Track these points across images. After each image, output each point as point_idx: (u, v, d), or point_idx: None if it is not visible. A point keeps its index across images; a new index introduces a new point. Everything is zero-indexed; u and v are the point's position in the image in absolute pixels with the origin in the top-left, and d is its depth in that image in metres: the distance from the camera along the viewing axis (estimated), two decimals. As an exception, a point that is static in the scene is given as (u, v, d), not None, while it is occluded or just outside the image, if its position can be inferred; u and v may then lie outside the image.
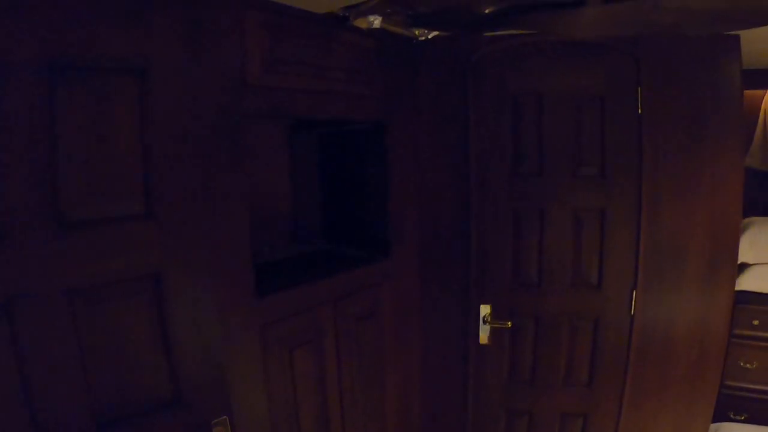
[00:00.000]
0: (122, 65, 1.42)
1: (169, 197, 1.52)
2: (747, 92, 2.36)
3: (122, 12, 1.41)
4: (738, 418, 2.81)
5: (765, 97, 3.22)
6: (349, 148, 2.55)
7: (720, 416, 2.67)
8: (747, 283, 2.77)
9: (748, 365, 2.75)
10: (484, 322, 2.43)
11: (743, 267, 2.82)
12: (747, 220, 2.87)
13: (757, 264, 2.85)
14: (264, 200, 2.46)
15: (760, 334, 2.79)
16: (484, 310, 2.43)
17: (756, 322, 2.78)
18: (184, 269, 1.58)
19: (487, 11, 2.05)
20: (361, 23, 2.08)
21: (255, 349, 1.84)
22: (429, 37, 2.32)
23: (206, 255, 1.64)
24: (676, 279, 2.25)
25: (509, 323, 2.41)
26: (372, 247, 2.46)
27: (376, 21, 2.09)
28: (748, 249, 2.78)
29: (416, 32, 2.29)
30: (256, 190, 2.38)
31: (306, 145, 2.62)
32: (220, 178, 1.68)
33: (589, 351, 2.40)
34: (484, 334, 2.45)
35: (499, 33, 2.27)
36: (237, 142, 1.74)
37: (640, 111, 2.20)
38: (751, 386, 2.80)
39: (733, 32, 2.12)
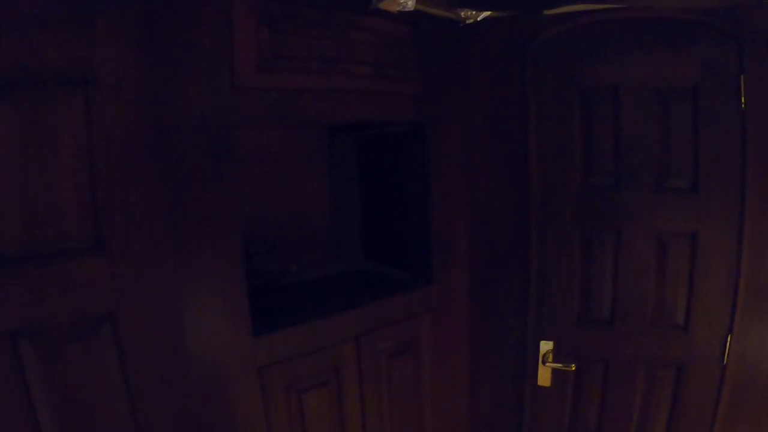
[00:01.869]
0: (62, 75, 1.28)
1: (123, 226, 1.38)
2: None
3: (60, 17, 1.26)
4: None
5: None
6: (390, 154, 2.34)
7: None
8: None
9: None
10: (544, 362, 2.18)
11: None
12: None
13: None
14: (298, 213, 2.33)
15: None
16: (545, 347, 2.17)
17: None
18: (146, 309, 1.44)
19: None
20: (389, 5, 1.81)
21: (252, 395, 1.69)
22: (478, 19, 2.02)
23: (178, 291, 1.49)
24: (784, 325, 1.90)
25: (573, 366, 2.13)
26: (414, 270, 2.25)
27: (410, 2, 1.82)
28: None
29: (462, 14, 2.00)
30: (288, 203, 2.28)
31: (344, 151, 2.45)
32: (199, 198, 1.52)
33: (668, 405, 2.08)
34: (543, 376, 2.19)
35: (562, 10, 1.95)
36: (225, 155, 1.57)
37: (743, 106, 1.83)
38: None
39: None
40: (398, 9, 1.84)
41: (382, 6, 1.81)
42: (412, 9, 1.85)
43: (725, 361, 1.96)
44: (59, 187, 1.30)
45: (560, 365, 2.16)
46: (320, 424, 1.90)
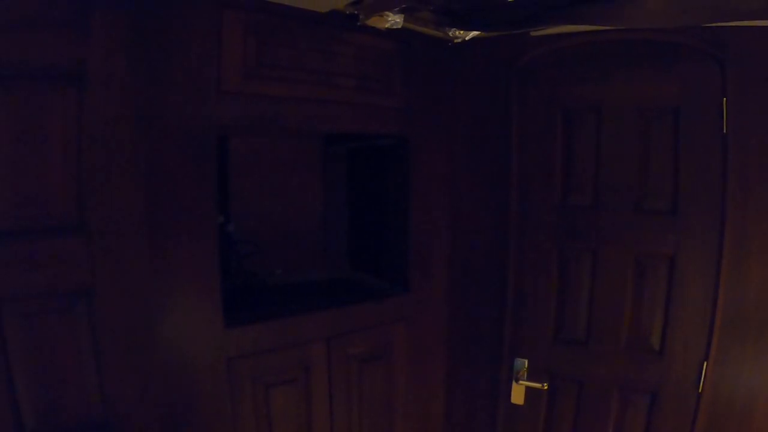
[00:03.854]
0: (56, 72, 1.48)
1: (104, 211, 1.56)
2: None
3: (57, 18, 1.46)
4: None
5: None
6: (377, 166, 2.49)
7: None
8: None
9: None
10: (517, 380, 2.25)
11: None
12: None
13: None
14: (289, 220, 2.50)
15: None
16: (520, 364, 2.25)
17: None
18: (121, 290, 1.60)
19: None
20: (378, 23, 1.95)
21: (220, 385, 1.83)
22: (466, 39, 2.13)
23: (153, 277, 1.66)
24: (762, 351, 1.88)
25: (545, 385, 2.19)
26: (393, 280, 2.37)
27: (398, 20, 1.96)
28: None
29: (450, 34, 2.11)
30: (281, 209, 2.47)
31: (336, 161, 2.62)
32: (180, 194, 1.70)
33: (642, 430, 2.09)
34: (517, 393, 2.26)
35: (548, 32, 2.06)
36: (208, 156, 1.74)
37: (725, 130, 1.88)
38: None
39: None
40: (387, 26, 1.97)
41: (370, 23, 1.95)
42: (400, 27, 1.99)
43: (701, 389, 1.97)
44: (48, 172, 1.49)
45: (533, 383, 2.22)
46: (286, 420, 2.02)
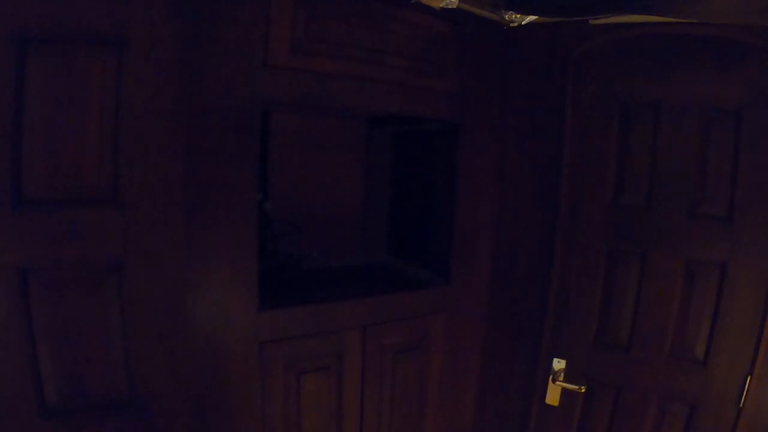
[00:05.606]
0: (95, 37, 1.47)
1: (140, 183, 1.57)
2: None
3: None
4: None
5: None
6: (423, 151, 2.49)
7: None
8: None
9: None
10: (554, 380, 2.26)
11: None
12: None
13: None
14: (329, 202, 2.52)
15: None
16: (558, 365, 2.26)
17: None
18: (153, 267, 1.62)
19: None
20: (433, 1, 1.96)
21: (251, 369, 1.86)
22: (523, 23, 2.13)
23: (188, 255, 1.67)
24: (809, 371, 1.89)
25: (583, 388, 2.20)
26: (434, 270, 2.39)
27: (454, -1, 1.98)
28: None
29: (506, 17, 2.11)
30: (321, 190, 2.49)
31: (380, 145, 2.62)
32: (219, 169, 1.70)
33: (678, 442, 2.12)
34: (552, 394, 2.28)
35: (609, 20, 2.02)
36: (250, 131, 1.75)
37: (790, 136, 1.86)
38: None
39: None
40: (442, 5, 1.98)
41: (425, 1, 1.95)
42: (455, 7, 1.99)
43: (741, 403, 1.97)
44: (85, 140, 1.50)
45: (570, 385, 2.24)
46: (316, 408, 2.05)
